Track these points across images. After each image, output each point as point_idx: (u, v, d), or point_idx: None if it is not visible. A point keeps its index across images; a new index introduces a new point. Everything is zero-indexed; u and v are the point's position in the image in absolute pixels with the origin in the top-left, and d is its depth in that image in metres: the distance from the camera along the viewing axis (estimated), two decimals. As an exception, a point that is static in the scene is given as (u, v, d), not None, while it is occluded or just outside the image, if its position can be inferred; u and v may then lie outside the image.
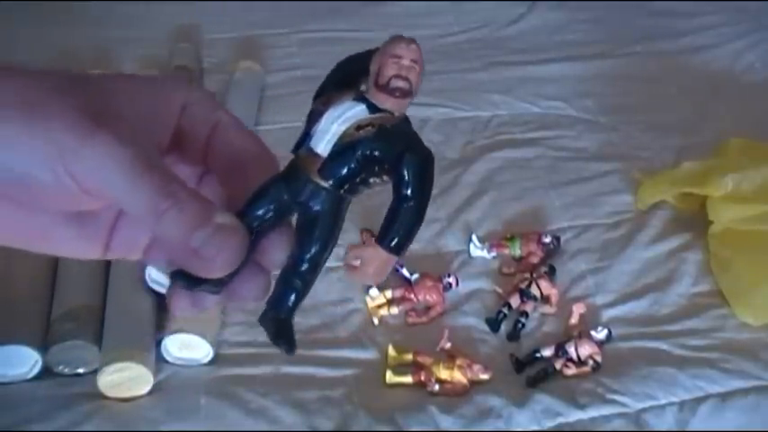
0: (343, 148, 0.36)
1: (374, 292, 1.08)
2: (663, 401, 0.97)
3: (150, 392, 0.95)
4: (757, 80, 1.58)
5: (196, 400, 0.95)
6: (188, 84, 0.39)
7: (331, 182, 0.37)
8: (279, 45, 1.60)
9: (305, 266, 0.38)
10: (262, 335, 1.12)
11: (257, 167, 0.38)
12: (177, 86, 0.38)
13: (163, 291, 1.02)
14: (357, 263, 0.40)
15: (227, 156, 0.38)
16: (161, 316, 1.01)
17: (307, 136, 0.37)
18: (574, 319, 1.07)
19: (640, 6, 1.78)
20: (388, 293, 1.08)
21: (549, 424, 0.95)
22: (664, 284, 1.13)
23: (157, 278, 1.01)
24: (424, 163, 0.37)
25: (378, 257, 0.39)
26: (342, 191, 0.37)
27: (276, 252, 0.37)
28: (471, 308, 1.09)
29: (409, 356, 1.00)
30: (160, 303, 1.02)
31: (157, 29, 1.57)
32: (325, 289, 1.11)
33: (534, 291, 1.08)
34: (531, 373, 1.00)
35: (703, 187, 1.18)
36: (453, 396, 0.96)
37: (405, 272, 1.11)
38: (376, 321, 1.06)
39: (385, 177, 0.38)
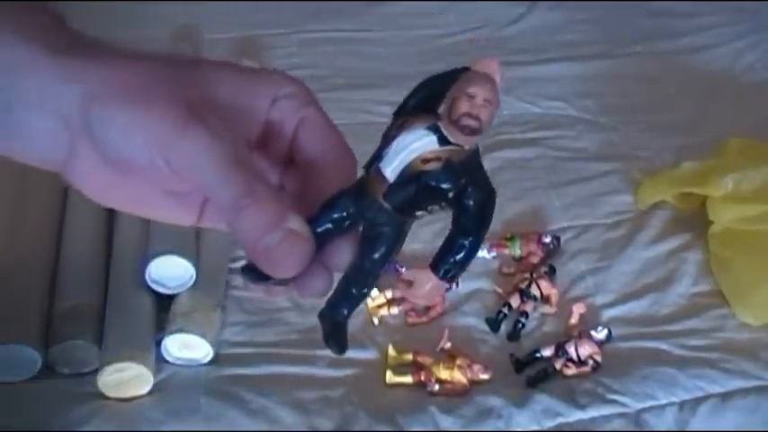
0: (408, 177, 0.38)
1: (374, 292, 1.08)
2: (663, 401, 0.97)
3: (150, 392, 0.95)
4: (757, 80, 1.58)
5: (196, 400, 0.95)
6: (286, 77, 0.40)
7: (394, 206, 0.38)
8: (279, 45, 1.60)
9: (364, 276, 0.41)
10: (262, 335, 1.12)
11: (338, 169, 0.40)
12: (273, 79, 0.40)
13: (163, 291, 1.02)
14: (409, 280, 0.42)
15: (311, 153, 0.40)
16: (161, 316, 1.01)
17: (379, 156, 0.39)
18: (574, 319, 1.07)
19: (640, 6, 1.78)
20: (388, 293, 1.08)
21: (549, 424, 0.95)
22: (664, 284, 1.13)
23: (157, 278, 1.02)
24: (487, 200, 0.38)
25: (430, 282, 0.41)
26: (404, 214, 0.39)
27: (341, 257, 0.39)
28: (471, 308, 1.09)
29: (409, 356, 1.01)
30: (160, 303, 1.02)
31: (157, 29, 1.57)
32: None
33: (534, 291, 1.08)
34: (531, 373, 1.00)
35: (703, 187, 1.18)
36: (453, 396, 0.96)
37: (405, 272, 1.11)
38: (376, 321, 1.06)
39: (446, 206, 0.39)
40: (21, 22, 0.37)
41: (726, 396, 0.98)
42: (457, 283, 1.10)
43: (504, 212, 1.24)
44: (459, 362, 0.98)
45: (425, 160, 0.38)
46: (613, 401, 0.97)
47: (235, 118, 0.38)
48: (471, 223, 0.39)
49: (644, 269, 1.16)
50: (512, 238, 1.17)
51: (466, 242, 0.40)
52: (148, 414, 0.93)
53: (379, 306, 1.07)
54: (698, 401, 0.98)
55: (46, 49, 0.37)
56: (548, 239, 1.16)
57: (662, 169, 1.30)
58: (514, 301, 1.08)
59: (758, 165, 1.18)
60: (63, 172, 0.39)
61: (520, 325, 1.06)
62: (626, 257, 1.17)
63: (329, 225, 0.38)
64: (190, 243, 1.04)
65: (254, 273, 0.37)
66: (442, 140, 0.38)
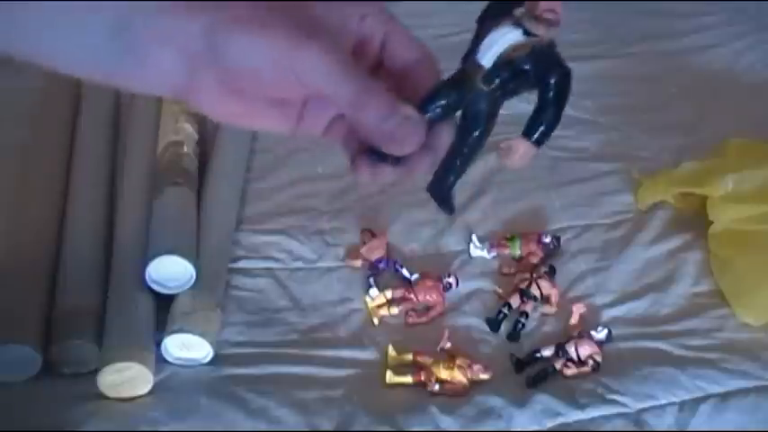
0: (503, 62, 0.49)
1: (374, 291, 1.08)
2: (663, 401, 0.97)
3: (150, 392, 0.95)
4: (757, 80, 1.58)
5: (196, 400, 0.95)
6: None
7: (492, 86, 0.50)
8: (279, 45, 1.60)
9: (468, 150, 0.54)
10: (262, 335, 1.12)
11: (424, 75, 0.50)
12: (357, 2, 0.49)
13: (163, 291, 1.02)
14: (506, 148, 0.53)
15: (400, 60, 0.50)
16: (161, 316, 1.01)
17: (472, 52, 0.51)
18: (574, 320, 1.07)
19: (640, 6, 1.77)
20: (388, 293, 1.08)
21: (550, 424, 0.95)
22: (664, 284, 1.13)
23: (157, 278, 1.02)
24: (566, 77, 0.51)
25: (523, 147, 0.52)
26: (498, 93, 0.51)
27: (444, 138, 0.49)
28: (471, 308, 1.09)
29: (409, 356, 1.00)
30: (160, 303, 1.02)
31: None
32: (324, 289, 1.11)
33: (534, 291, 1.08)
34: (531, 373, 1.00)
35: (703, 187, 1.18)
36: (453, 396, 0.96)
37: (405, 272, 1.11)
38: (376, 321, 1.06)
39: (534, 85, 0.51)
40: None
41: (726, 396, 0.98)
42: (457, 283, 1.10)
43: (504, 213, 1.24)
44: (459, 362, 0.98)
45: (515, 49, 0.49)
46: (613, 401, 0.97)
47: (336, 36, 0.47)
48: (554, 96, 0.51)
49: (644, 269, 1.16)
50: (512, 238, 1.17)
51: (551, 112, 0.52)
52: (148, 414, 0.93)
53: (379, 306, 1.07)
54: (698, 401, 0.98)
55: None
56: (548, 239, 1.16)
57: (662, 169, 1.30)
58: (514, 301, 1.08)
59: (758, 165, 1.18)
60: (181, 95, 0.47)
61: (520, 325, 1.06)
62: (626, 257, 1.17)
63: (437, 111, 0.48)
64: (190, 243, 1.04)
65: (374, 155, 0.48)
66: (526, 33, 0.49)
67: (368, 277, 1.11)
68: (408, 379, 0.98)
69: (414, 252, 1.18)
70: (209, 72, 0.45)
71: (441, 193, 0.58)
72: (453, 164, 0.54)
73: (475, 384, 0.98)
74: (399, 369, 0.99)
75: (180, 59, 0.45)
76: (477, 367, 0.98)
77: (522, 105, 1.64)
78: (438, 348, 1.01)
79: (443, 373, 0.97)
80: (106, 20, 0.44)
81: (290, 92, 0.47)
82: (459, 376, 0.97)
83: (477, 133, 0.52)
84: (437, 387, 0.97)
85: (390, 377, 0.98)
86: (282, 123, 0.50)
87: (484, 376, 0.98)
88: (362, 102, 0.45)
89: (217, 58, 0.44)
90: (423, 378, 0.97)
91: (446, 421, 0.94)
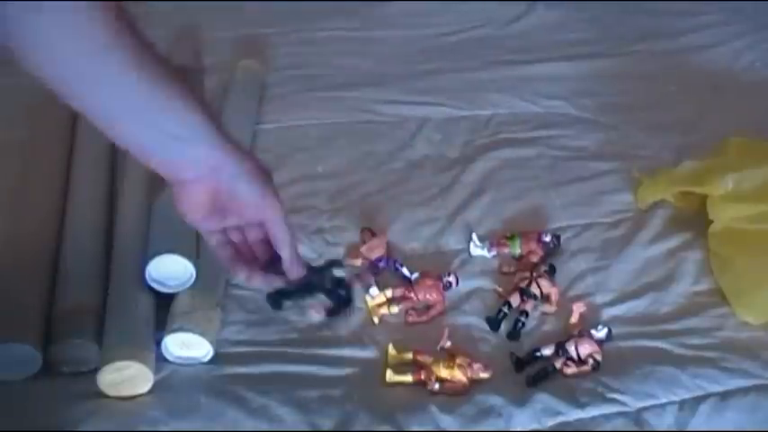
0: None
1: (374, 291, 1.08)
2: (663, 400, 0.97)
3: (150, 391, 0.95)
4: (757, 80, 1.58)
5: (196, 399, 0.94)
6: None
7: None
8: (279, 45, 1.60)
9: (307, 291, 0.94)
10: (262, 334, 1.13)
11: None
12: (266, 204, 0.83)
13: (163, 290, 1.02)
14: None
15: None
16: (161, 315, 1.01)
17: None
18: (574, 318, 1.07)
19: (640, 6, 1.78)
20: (389, 292, 1.08)
21: (550, 423, 0.95)
22: (664, 284, 1.13)
23: (157, 277, 1.02)
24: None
25: None
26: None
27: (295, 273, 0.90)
28: (471, 307, 1.09)
29: (409, 355, 1.00)
30: (160, 302, 1.02)
31: (157, 29, 1.56)
32: (325, 288, 1.11)
33: (534, 290, 1.08)
34: (532, 372, 1.00)
35: (703, 186, 1.18)
36: (453, 395, 0.96)
37: (405, 271, 1.11)
38: (376, 321, 1.06)
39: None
40: (198, 98, 0.75)
41: (726, 395, 0.98)
42: (457, 282, 1.10)
43: (504, 212, 1.25)
44: (459, 361, 0.98)
45: None
46: (613, 400, 0.97)
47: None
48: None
49: (644, 268, 1.16)
50: (512, 237, 1.17)
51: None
52: (148, 413, 0.93)
53: (379, 305, 1.07)
54: (698, 400, 0.98)
55: (211, 121, 0.75)
56: (548, 238, 1.16)
57: (662, 168, 1.30)
58: (514, 300, 1.08)
59: (758, 164, 1.18)
60: (177, 183, 0.78)
61: (520, 324, 1.06)
62: (626, 256, 1.17)
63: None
64: (190, 242, 1.04)
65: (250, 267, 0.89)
66: None
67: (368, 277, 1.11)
68: (408, 378, 0.98)
69: (414, 251, 1.18)
70: (210, 185, 0.78)
71: (274, 303, 0.94)
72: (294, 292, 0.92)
73: (475, 383, 0.98)
74: (399, 368, 0.99)
75: (204, 170, 0.76)
76: (476, 366, 0.98)
77: (522, 105, 1.64)
78: (438, 348, 1.01)
79: (443, 372, 0.97)
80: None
81: (247, 218, 0.83)
82: (459, 375, 0.97)
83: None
84: (437, 386, 0.97)
85: (390, 376, 0.98)
86: (209, 224, 0.83)
87: (484, 375, 0.98)
88: (291, 254, 0.86)
89: (225, 183, 0.78)
90: (423, 377, 0.97)
91: (446, 420, 0.94)
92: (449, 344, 1.02)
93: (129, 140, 0.74)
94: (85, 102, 0.71)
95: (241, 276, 0.88)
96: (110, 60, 0.68)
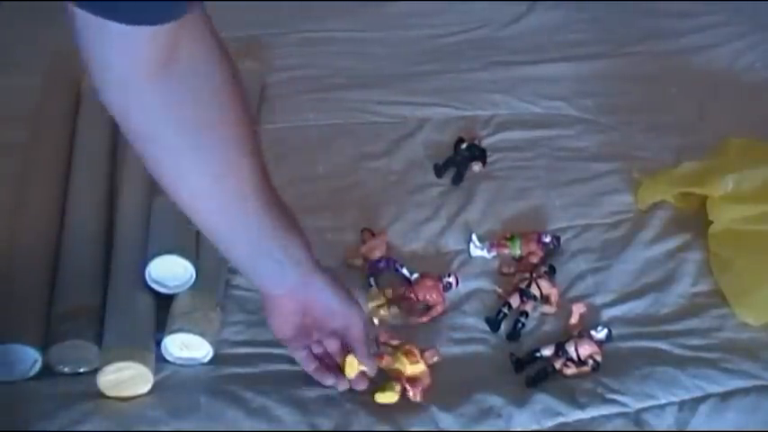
0: None
1: (374, 291, 1.08)
2: (663, 401, 0.97)
3: (150, 392, 0.95)
4: (757, 80, 1.58)
5: (196, 400, 0.94)
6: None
7: None
8: (279, 45, 1.60)
9: None
10: (262, 334, 1.13)
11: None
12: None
13: (162, 290, 1.02)
14: None
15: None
16: (161, 316, 1.01)
17: None
18: (574, 319, 1.07)
19: (640, 6, 1.78)
20: (389, 293, 1.08)
21: (549, 424, 0.95)
22: (664, 284, 1.13)
23: (157, 278, 1.02)
24: None
25: None
26: None
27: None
28: (471, 307, 1.09)
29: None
30: (160, 303, 1.02)
31: (157, 29, 1.57)
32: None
33: (534, 290, 1.08)
34: (531, 372, 1.00)
35: (703, 187, 1.18)
36: (424, 390, 0.95)
37: (405, 271, 1.11)
38: (376, 321, 1.06)
39: None
40: (296, 222, 0.87)
41: (726, 396, 0.98)
42: (457, 283, 1.10)
43: (504, 212, 1.25)
44: (413, 353, 0.96)
45: None
46: (613, 401, 0.97)
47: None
48: None
49: (644, 269, 1.16)
50: (512, 238, 1.17)
51: None
52: (148, 413, 0.93)
53: (379, 306, 1.07)
54: (698, 401, 0.98)
55: (308, 246, 0.88)
56: (548, 239, 1.16)
57: (662, 169, 1.30)
58: (514, 300, 1.08)
59: (758, 165, 1.19)
60: (269, 297, 0.89)
61: (520, 325, 1.06)
62: (626, 257, 1.17)
63: None
64: (190, 243, 1.04)
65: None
66: None
67: (368, 277, 1.11)
68: (394, 397, 0.95)
69: (414, 252, 1.18)
70: (300, 295, 0.87)
71: None
72: None
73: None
74: (384, 386, 0.95)
75: (297, 286, 0.87)
76: (428, 353, 0.99)
77: (522, 105, 1.64)
78: (382, 344, 0.99)
79: (409, 369, 0.96)
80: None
81: (333, 326, 0.91)
82: (422, 367, 0.97)
83: None
84: (419, 398, 0.95)
85: (379, 397, 0.95)
86: (287, 333, 0.92)
87: (436, 359, 0.99)
88: (365, 354, 0.92)
89: (308, 294, 0.88)
90: (407, 389, 0.95)
91: (446, 420, 0.94)
92: (394, 342, 1.00)
93: (231, 254, 0.86)
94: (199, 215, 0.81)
95: (329, 383, 0.94)
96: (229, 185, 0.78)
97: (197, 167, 0.75)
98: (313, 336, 0.93)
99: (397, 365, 0.96)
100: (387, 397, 0.95)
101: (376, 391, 0.95)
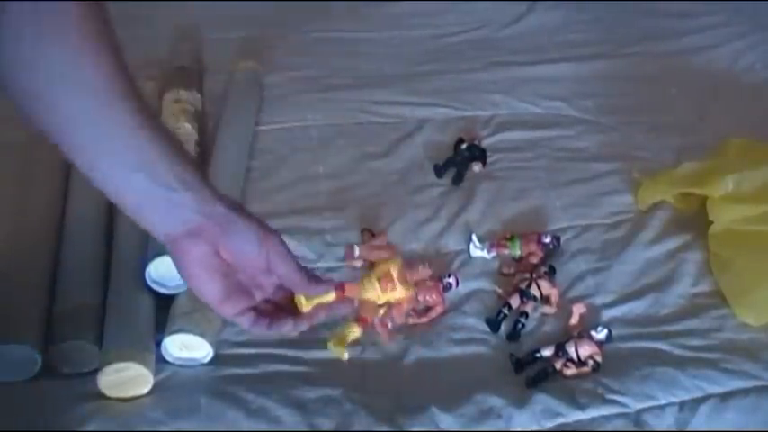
0: None
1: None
2: (663, 401, 0.97)
3: (150, 392, 0.95)
4: (757, 81, 1.58)
5: (196, 400, 0.95)
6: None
7: None
8: (279, 45, 1.60)
9: None
10: (261, 335, 1.12)
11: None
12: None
13: (163, 291, 1.02)
14: None
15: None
16: (161, 316, 1.01)
17: None
18: (574, 320, 1.07)
19: (640, 6, 1.78)
20: (388, 293, 1.08)
21: (549, 424, 0.95)
22: (664, 285, 1.13)
23: (157, 278, 1.02)
24: None
25: None
26: None
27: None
28: (471, 308, 1.09)
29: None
30: (160, 303, 1.02)
31: (157, 29, 1.57)
32: (325, 289, 1.10)
33: (534, 291, 1.08)
34: (531, 373, 1.00)
35: (703, 187, 1.18)
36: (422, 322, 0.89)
37: (405, 272, 1.11)
38: (376, 321, 1.06)
39: None
40: (180, 144, 0.69)
41: (726, 396, 0.98)
42: (457, 283, 1.10)
43: (504, 212, 1.25)
44: (394, 273, 0.78)
45: None
46: (613, 401, 0.97)
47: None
48: None
49: (644, 269, 1.16)
50: (512, 239, 1.17)
51: None
52: (148, 414, 0.93)
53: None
54: (698, 401, 0.98)
55: (197, 169, 0.68)
56: (548, 239, 1.16)
57: (662, 169, 1.30)
58: (514, 301, 1.08)
59: (758, 165, 1.19)
60: (172, 243, 0.69)
61: (520, 325, 1.06)
62: (626, 258, 1.17)
63: None
64: (190, 243, 1.04)
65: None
66: None
67: (368, 277, 1.10)
68: (344, 354, 0.81)
69: (414, 252, 1.18)
70: (206, 234, 0.68)
71: None
72: None
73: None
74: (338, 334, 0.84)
75: (196, 219, 0.68)
76: (422, 270, 0.84)
77: (522, 106, 1.63)
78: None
79: (384, 298, 0.79)
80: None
81: (255, 269, 0.71)
82: (401, 293, 0.79)
83: None
84: (387, 336, 0.82)
85: (331, 348, 0.82)
86: (216, 294, 0.71)
87: (426, 271, 0.85)
88: (305, 286, 0.73)
89: (215, 233, 0.68)
90: (375, 326, 0.82)
91: (446, 421, 0.94)
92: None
93: (109, 186, 0.67)
94: (62, 135, 0.65)
95: (287, 328, 0.75)
96: (90, 92, 0.64)
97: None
98: (254, 296, 0.74)
99: (367, 295, 0.79)
100: (337, 351, 0.81)
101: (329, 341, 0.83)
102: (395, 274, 0.78)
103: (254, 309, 0.73)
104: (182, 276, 0.72)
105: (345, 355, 0.80)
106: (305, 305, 0.74)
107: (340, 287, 0.75)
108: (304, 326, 0.76)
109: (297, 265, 0.72)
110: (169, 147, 0.67)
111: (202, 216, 0.68)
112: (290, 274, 0.72)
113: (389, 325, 0.86)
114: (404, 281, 0.78)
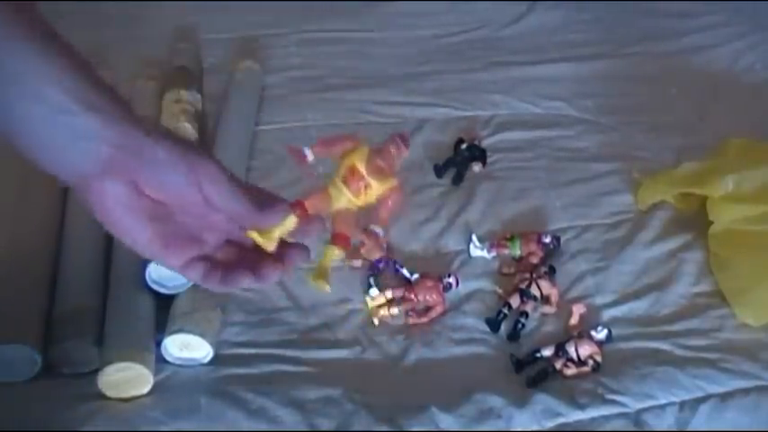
0: None
1: (374, 291, 1.08)
2: (663, 401, 0.97)
3: (150, 392, 0.95)
4: (757, 80, 1.58)
5: (196, 400, 0.94)
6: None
7: None
8: (279, 45, 1.60)
9: None
10: (262, 335, 1.12)
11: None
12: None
13: (163, 291, 1.02)
14: None
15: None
16: (161, 316, 1.01)
17: None
18: (574, 320, 1.07)
19: (640, 6, 1.78)
20: (389, 293, 1.08)
21: (549, 424, 0.95)
22: (664, 284, 1.13)
23: (157, 278, 1.01)
24: None
25: None
26: None
27: (298, 257, 0.61)
28: (471, 308, 1.09)
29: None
30: (160, 303, 1.02)
31: (157, 29, 1.57)
32: (325, 289, 1.10)
33: (534, 291, 1.08)
34: (531, 373, 1.00)
35: (703, 187, 1.18)
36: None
37: (405, 272, 1.11)
38: (376, 322, 1.06)
39: None
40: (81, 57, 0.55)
41: (726, 396, 0.98)
42: (457, 283, 1.10)
43: (504, 212, 1.24)
44: (358, 173, 0.68)
45: None
46: (613, 401, 0.97)
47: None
48: None
49: (644, 269, 1.16)
50: (512, 238, 1.17)
51: None
52: (148, 414, 0.93)
53: (380, 306, 1.07)
54: (698, 401, 0.98)
55: (100, 85, 0.54)
56: (548, 239, 1.16)
57: (662, 169, 1.30)
58: (514, 301, 1.08)
59: (758, 165, 1.19)
60: (82, 185, 0.55)
61: (520, 325, 1.06)
62: (626, 257, 1.17)
63: None
64: (190, 243, 1.04)
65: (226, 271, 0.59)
66: None
67: (368, 277, 1.11)
68: (326, 287, 0.71)
69: (414, 252, 1.18)
70: (120, 169, 0.53)
71: None
72: None
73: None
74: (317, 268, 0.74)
75: (107, 150, 0.53)
76: (394, 151, 0.70)
77: (522, 106, 1.64)
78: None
79: (361, 200, 0.70)
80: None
81: (195, 207, 0.56)
82: (379, 190, 0.70)
83: None
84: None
85: (312, 283, 0.72)
86: (148, 242, 0.57)
87: (404, 155, 0.70)
88: (252, 217, 0.57)
89: (140, 163, 0.53)
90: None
91: (446, 421, 0.94)
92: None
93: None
94: None
95: (246, 283, 0.60)
96: None
97: None
98: (205, 241, 0.59)
99: (338, 204, 0.70)
100: (319, 285, 0.70)
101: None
102: (362, 167, 0.65)
103: (207, 259, 0.59)
104: (105, 226, 0.57)
105: (327, 288, 0.69)
106: (264, 242, 0.58)
107: (298, 205, 0.61)
108: (274, 275, 0.59)
109: (239, 192, 0.56)
110: (68, 62, 0.54)
111: (112, 147, 0.53)
112: (232, 205, 0.56)
113: (380, 234, 0.75)
114: (377, 171, 0.65)
